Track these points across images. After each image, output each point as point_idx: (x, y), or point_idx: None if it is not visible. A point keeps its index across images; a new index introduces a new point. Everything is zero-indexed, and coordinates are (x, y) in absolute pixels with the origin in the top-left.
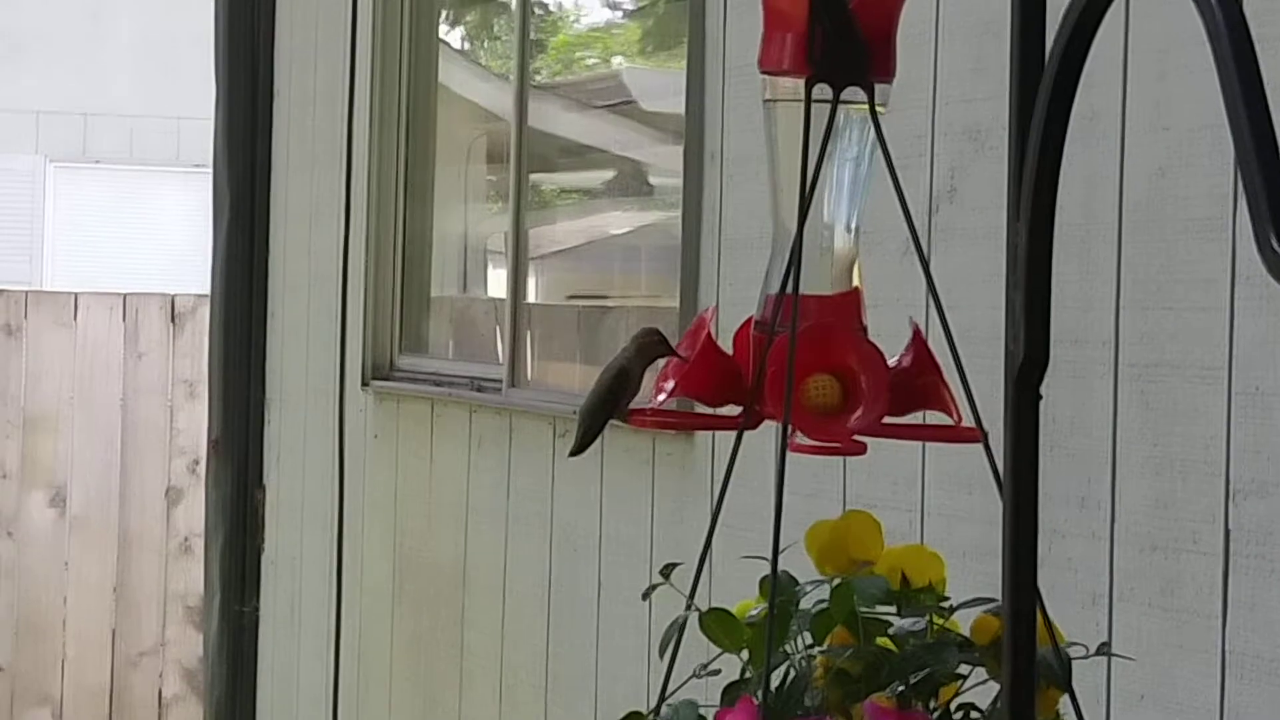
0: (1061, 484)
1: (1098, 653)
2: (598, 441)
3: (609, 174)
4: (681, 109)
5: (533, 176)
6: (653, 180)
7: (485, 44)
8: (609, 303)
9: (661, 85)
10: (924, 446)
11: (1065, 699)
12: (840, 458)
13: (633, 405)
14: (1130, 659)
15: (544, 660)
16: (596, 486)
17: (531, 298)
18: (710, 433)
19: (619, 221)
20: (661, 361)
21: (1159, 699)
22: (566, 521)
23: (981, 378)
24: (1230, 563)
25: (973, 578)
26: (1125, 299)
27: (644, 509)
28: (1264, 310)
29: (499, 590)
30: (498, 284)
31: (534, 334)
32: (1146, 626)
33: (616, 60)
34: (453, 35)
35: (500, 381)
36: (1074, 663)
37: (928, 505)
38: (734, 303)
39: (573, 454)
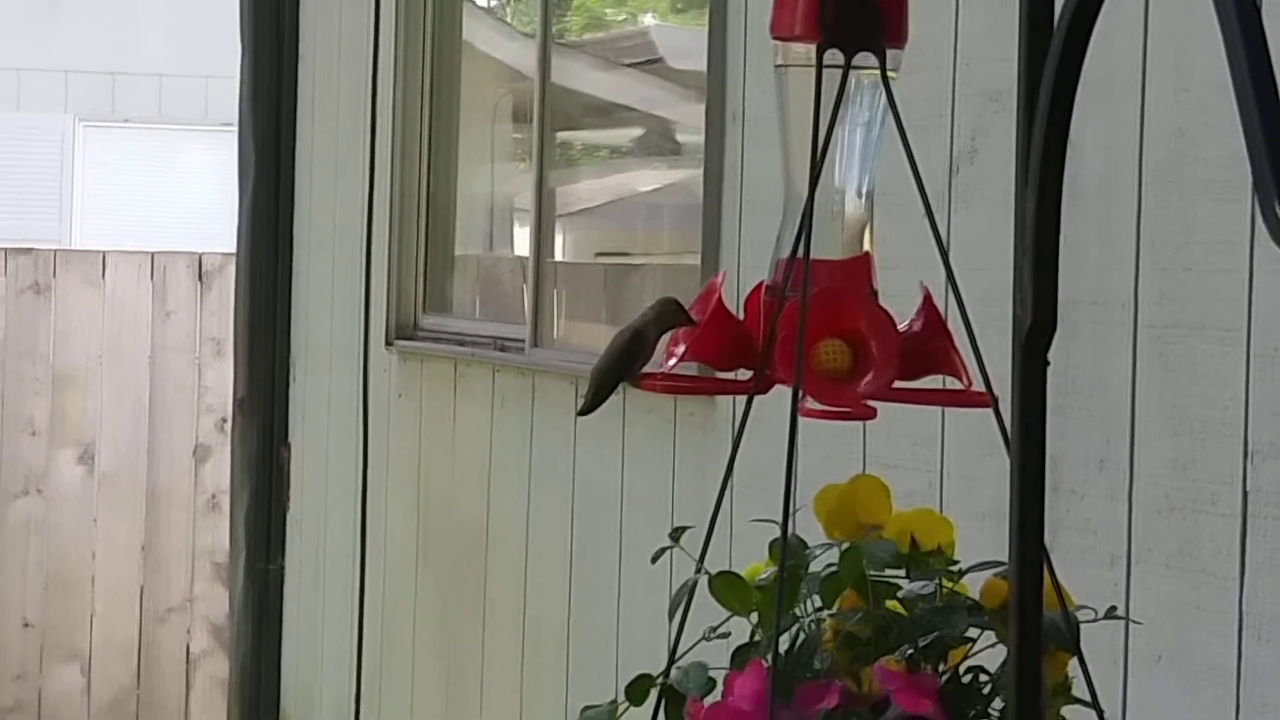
0: (1080, 445)
1: (1106, 616)
2: (620, 401)
3: (636, 132)
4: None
5: (559, 135)
6: (680, 138)
7: (511, 2)
8: (635, 260)
9: (689, 43)
10: (943, 408)
11: (1075, 662)
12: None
13: (645, 369)
14: (1139, 622)
15: (566, 618)
16: (618, 446)
17: (558, 256)
18: None
19: (646, 179)
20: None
21: (1176, 659)
22: (588, 481)
23: (1002, 340)
24: (1248, 524)
25: (992, 539)
26: (1144, 260)
27: (665, 468)
28: None
29: (521, 549)
30: (523, 242)
31: (559, 292)
32: (1164, 587)
33: (645, 17)
34: None
35: (523, 341)
36: (1090, 624)
37: (947, 466)
38: (754, 263)
39: (582, 413)
